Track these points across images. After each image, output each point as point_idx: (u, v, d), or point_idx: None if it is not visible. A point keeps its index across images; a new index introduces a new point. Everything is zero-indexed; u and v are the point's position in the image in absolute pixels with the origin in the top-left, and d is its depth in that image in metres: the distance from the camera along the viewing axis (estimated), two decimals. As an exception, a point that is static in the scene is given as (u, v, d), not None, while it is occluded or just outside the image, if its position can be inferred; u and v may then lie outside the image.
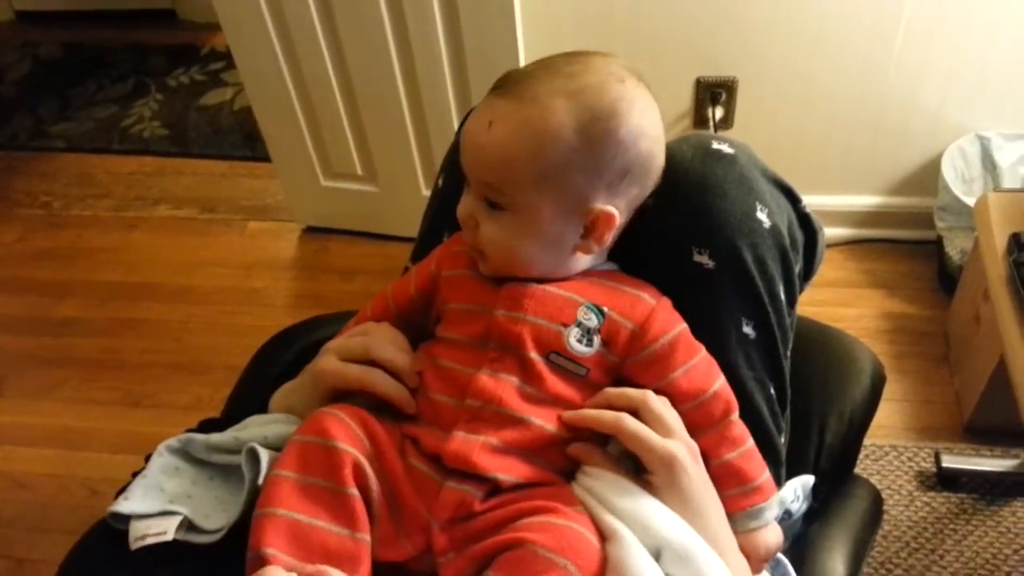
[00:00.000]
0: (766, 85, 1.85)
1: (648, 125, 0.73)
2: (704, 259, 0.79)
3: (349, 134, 1.96)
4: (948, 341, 1.84)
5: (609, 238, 0.76)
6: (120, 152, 2.54)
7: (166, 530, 0.68)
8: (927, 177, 1.92)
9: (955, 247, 1.84)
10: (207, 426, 0.81)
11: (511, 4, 1.63)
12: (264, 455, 0.70)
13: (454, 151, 0.92)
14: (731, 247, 0.79)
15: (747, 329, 0.80)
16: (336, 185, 2.10)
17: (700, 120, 1.92)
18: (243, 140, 2.51)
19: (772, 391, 0.83)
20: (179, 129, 2.58)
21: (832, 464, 0.95)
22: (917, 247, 2.03)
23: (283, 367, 0.98)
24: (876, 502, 0.99)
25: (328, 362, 0.76)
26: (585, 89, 0.70)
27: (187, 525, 0.70)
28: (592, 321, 0.73)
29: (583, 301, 0.74)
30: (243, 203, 2.38)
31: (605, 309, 0.74)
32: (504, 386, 0.71)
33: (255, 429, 0.76)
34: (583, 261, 0.77)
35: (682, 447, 0.69)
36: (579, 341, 0.73)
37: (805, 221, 0.85)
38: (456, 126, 1.72)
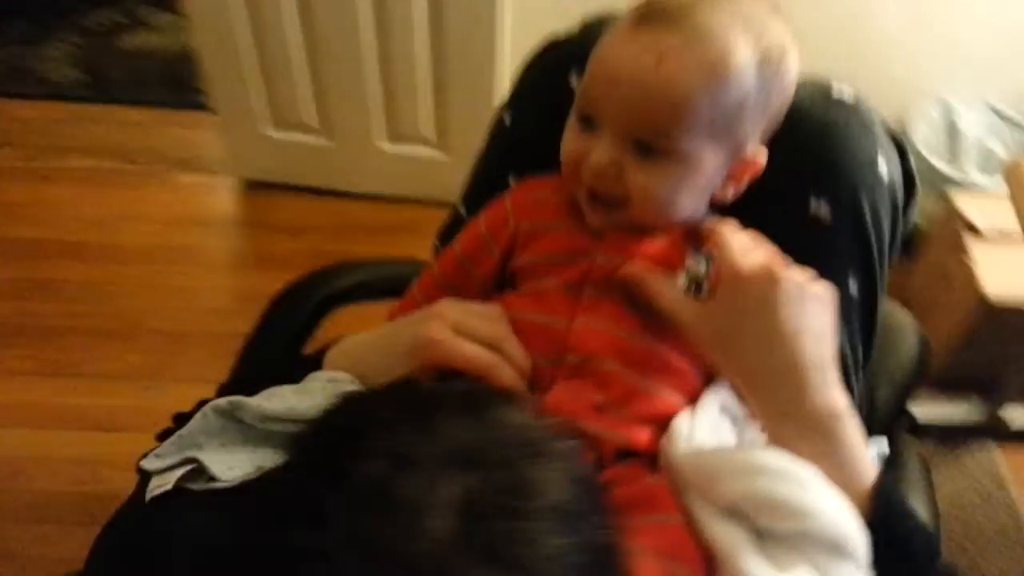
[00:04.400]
0: None
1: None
2: (821, 211, 0.74)
3: (308, 82, 1.82)
4: (909, 301, 1.87)
5: (745, 184, 0.70)
6: (30, 97, 2.29)
7: (169, 481, 0.60)
8: (889, 142, 1.93)
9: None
10: (227, 391, 0.68)
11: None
12: None
13: (527, 84, 0.85)
14: (852, 198, 0.75)
15: (852, 285, 0.76)
16: (286, 136, 1.95)
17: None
18: (170, 88, 2.31)
19: (861, 353, 0.79)
20: (97, 73, 2.35)
21: (881, 428, 0.92)
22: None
23: (305, 319, 0.86)
24: (924, 463, 0.97)
25: (440, 331, 0.64)
26: (754, 21, 0.63)
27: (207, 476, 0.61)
28: (701, 267, 0.67)
29: (691, 247, 0.68)
30: (170, 154, 2.18)
31: (714, 255, 0.67)
32: (605, 338, 0.65)
33: (318, 396, 0.64)
34: (704, 208, 0.72)
35: (754, 268, 0.61)
36: (686, 289, 0.66)
37: (909, 179, 0.80)
38: (429, 79, 1.72)
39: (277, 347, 0.88)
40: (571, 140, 0.68)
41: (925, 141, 1.86)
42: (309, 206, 2.04)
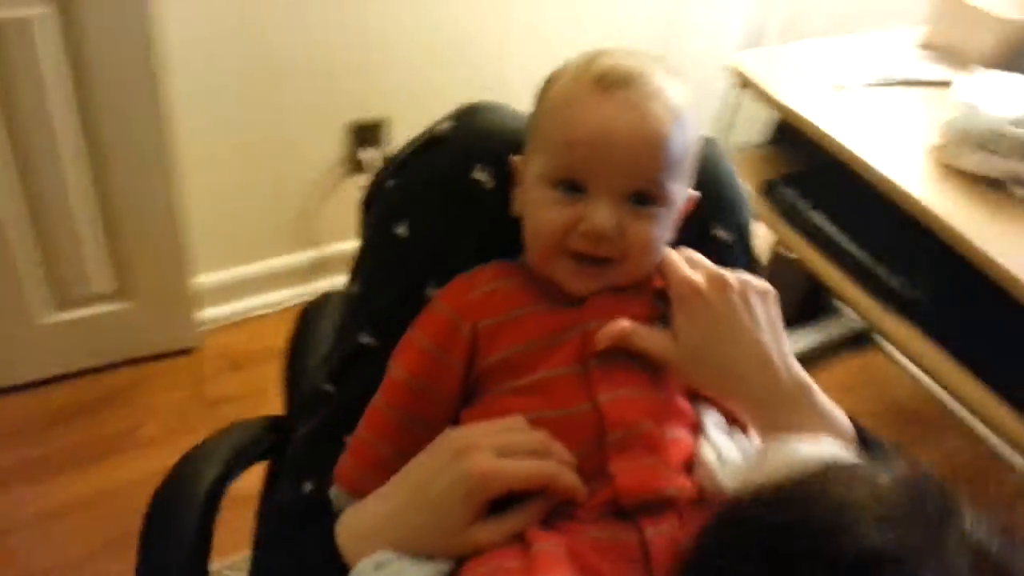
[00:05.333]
0: (420, 122, 1.85)
1: None
2: (720, 232, 0.80)
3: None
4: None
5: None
6: None
7: None
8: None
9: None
10: None
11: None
12: None
13: (421, 188, 0.78)
14: (739, 220, 0.82)
15: None
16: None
17: (355, 164, 1.85)
18: None
19: None
20: None
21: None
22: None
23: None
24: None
25: (487, 461, 0.60)
26: (671, 72, 0.69)
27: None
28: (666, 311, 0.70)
29: (647, 293, 0.71)
30: None
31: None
32: (635, 403, 0.65)
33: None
34: None
35: (713, 275, 0.67)
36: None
37: None
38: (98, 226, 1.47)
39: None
40: (554, 210, 0.66)
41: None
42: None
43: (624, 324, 0.66)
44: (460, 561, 0.60)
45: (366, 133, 1.82)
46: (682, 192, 0.69)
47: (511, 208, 0.73)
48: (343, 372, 0.78)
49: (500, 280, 0.71)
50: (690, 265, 0.69)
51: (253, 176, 1.76)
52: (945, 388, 1.12)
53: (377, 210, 0.81)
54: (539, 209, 0.68)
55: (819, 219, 1.27)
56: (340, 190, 1.87)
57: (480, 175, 0.75)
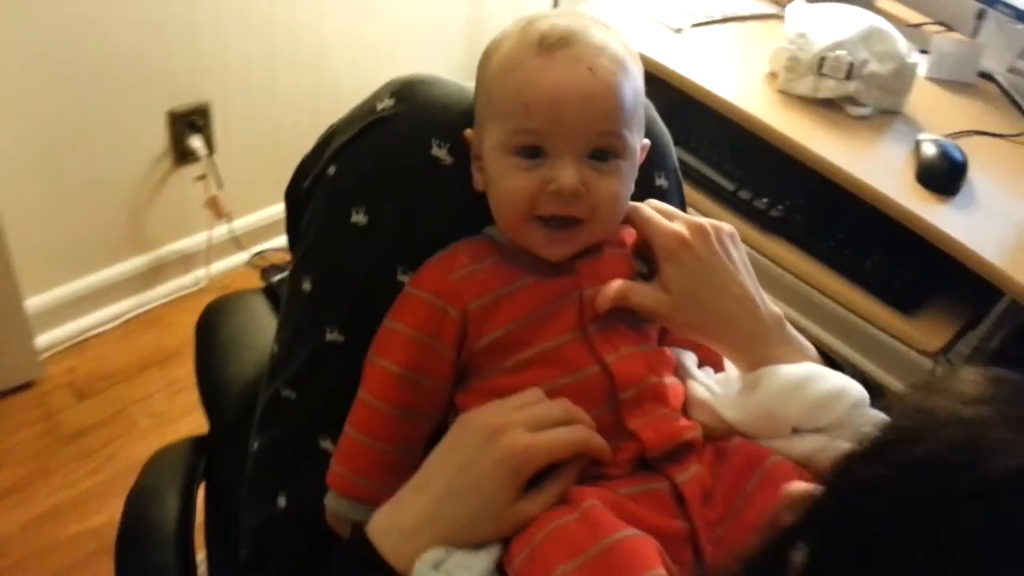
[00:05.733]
0: (240, 105, 1.77)
1: None
2: (660, 182, 0.83)
3: None
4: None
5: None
6: None
7: None
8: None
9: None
10: None
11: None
12: None
13: (377, 170, 0.74)
14: (674, 167, 0.85)
15: None
16: None
17: (181, 154, 1.71)
18: None
19: None
20: None
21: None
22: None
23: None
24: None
25: (522, 437, 0.61)
26: (605, 25, 0.70)
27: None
28: (643, 267, 0.72)
29: (627, 251, 0.73)
30: None
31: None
32: (636, 359, 0.67)
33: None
34: None
35: (691, 223, 0.70)
36: None
37: None
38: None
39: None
40: (517, 178, 0.66)
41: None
42: None
43: (619, 283, 0.68)
44: (506, 540, 0.61)
45: (188, 119, 1.68)
46: (638, 142, 0.70)
47: (472, 184, 0.72)
48: (308, 375, 0.74)
49: (480, 260, 0.69)
50: (666, 217, 0.70)
51: (70, 180, 1.59)
52: (823, 293, 1.24)
53: (323, 199, 0.76)
54: (503, 179, 0.67)
55: (682, 155, 1.35)
56: (169, 184, 1.73)
57: (438, 152, 0.73)
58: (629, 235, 0.73)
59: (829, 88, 1.32)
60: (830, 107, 1.35)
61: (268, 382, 0.78)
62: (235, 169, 1.81)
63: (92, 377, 1.68)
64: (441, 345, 0.67)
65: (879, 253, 1.25)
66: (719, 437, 0.67)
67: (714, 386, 0.69)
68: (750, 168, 1.35)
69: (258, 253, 1.97)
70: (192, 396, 1.01)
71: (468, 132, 0.72)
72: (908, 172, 1.26)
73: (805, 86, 1.33)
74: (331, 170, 0.75)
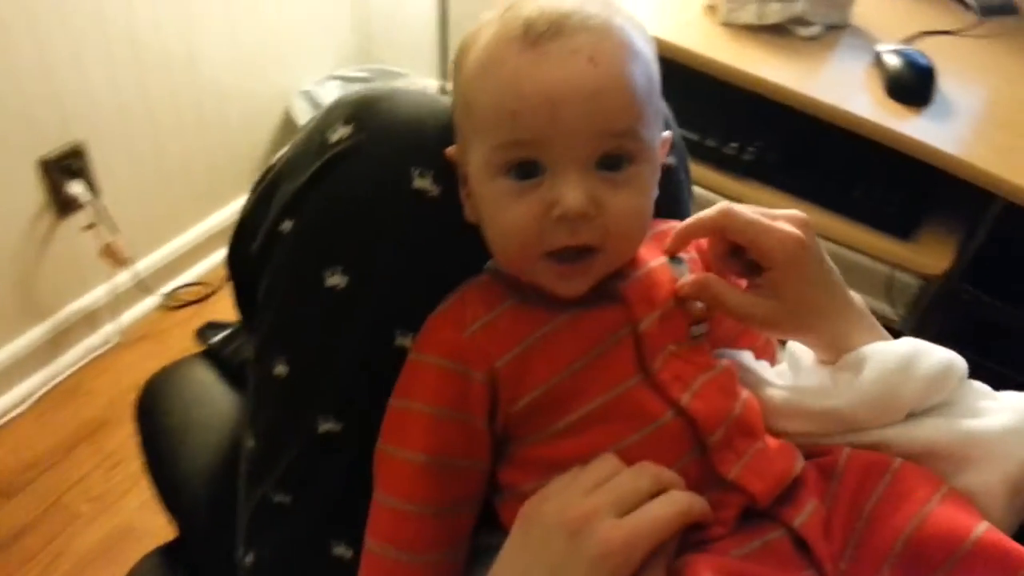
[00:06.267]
0: (117, 138, 1.58)
1: None
2: (671, 160, 0.71)
3: None
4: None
5: None
6: None
7: None
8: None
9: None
10: None
11: None
12: None
13: (354, 221, 0.61)
14: (679, 140, 0.74)
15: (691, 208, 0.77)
16: None
17: (62, 204, 1.50)
18: None
19: None
20: None
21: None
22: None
23: None
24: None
25: (615, 527, 0.50)
26: (611, 4, 0.57)
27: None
28: (684, 271, 0.61)
29: (661, 260, 0.61)
30: None
31: (682, 257, 0.62)
32: (710, 390, 0.56)
33: None
34: None
35: (793, 218, 0.61)
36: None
37: None
38: None
39: None
40: (515, 205, 0.53)
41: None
42: None
43: (711, 283, 0.58)
44: None
45: (63, 164, 1.47)
46: (657, 138, 0.57)
47: (464, 214, 0.59)
48: (303, 475, 0.62)
49: (495, 305, 0.57)
50: (747, 216, 0.59)
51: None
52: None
53: (283, 263, 0.62)
54: (497, 207, 0.54)
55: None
56: (55, 240, 1.52)
57: (421, 183, 0.59)
58: (663, 238, 0.62)
59: (775, 12, 1.22)
60: (779, 32, 1.25)
61: (251, 486, 0.65)
62: (126, 209, 1.61)
63: (15, 470, 1.48)
64: (470, 419, 0.55)
65: (865, 180, 1.16)
66: (817, 446, 0.58)
67: (796, 384, 0.60)
68: (711, 113, 1.24)
69: (169, 293, 1.78)
70: (133, 466, 0.87)
71: (450, 150, 0.59)
72: (876, 87, 1.18)
73: (749, 14, 1.23)
74: (286, 225, 0.61)
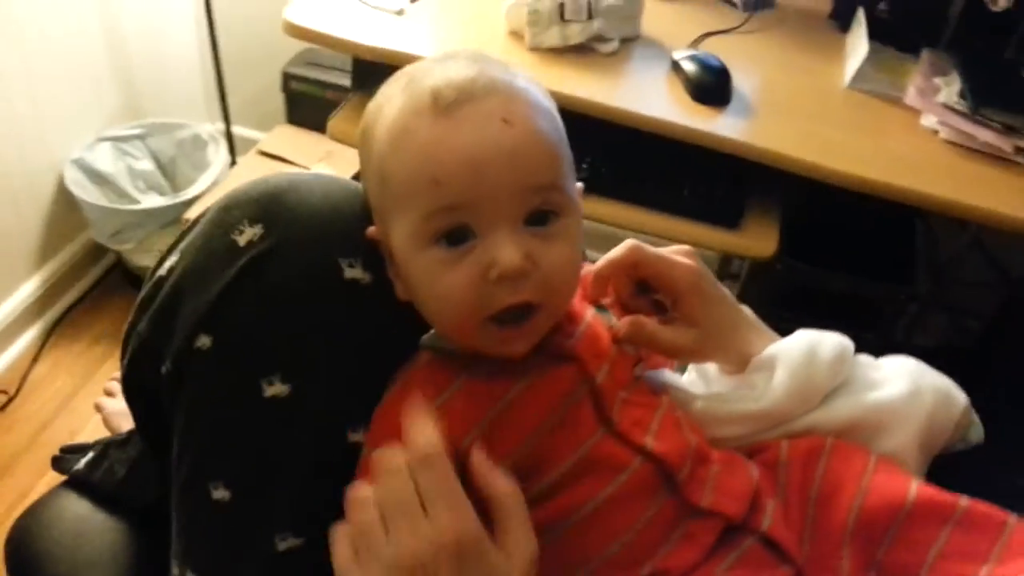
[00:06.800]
0: None
1: None
2: None
3: None
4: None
5: None
6: None
7: None
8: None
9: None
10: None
11: None
12: None
13: (287, 321, 0.57)
14: None
15: None
16: None
17: None
18: None
19: None
20: None
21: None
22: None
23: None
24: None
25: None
26: (496, 61, 0.59)
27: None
28: (612, 320, 0.65)
29: (592, 311, 0.64)
30: None
31: (604, 303, 0.66)
32: (667, 427, 0.60)
33: None
34: None
35: (680, 250, 0.67)
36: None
37: None
38: None
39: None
40: (450, 273, 0.53)
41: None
42: None
43: (643, 324, 0.62)
44: None
45: None
46: (575, 187, 0.59)
47: (397, 293, 0.58)
48: None
49: (446, 385, 0.57)
50: (653, 250, 0.64)
51: None
52: (655, 236, 1.21)
53: (207, 381, 0.58)
54: (432, 278, 0.54)
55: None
56: None
57: (352, 272, 0.58)
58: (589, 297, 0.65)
59: (576, 32, 1.27)
60: (582, 52, 1.31)
61: None
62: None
63: None
64: None
65: (690, 180, 1.25)
66: (754, 444, 0.62)
67: (717, 392, 0.65)
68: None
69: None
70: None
71: (371, 230, 0.58)
72: (680, 93, 1.26)
73: (553, 37, 1.27)
74: (203, 341, 0.57)
